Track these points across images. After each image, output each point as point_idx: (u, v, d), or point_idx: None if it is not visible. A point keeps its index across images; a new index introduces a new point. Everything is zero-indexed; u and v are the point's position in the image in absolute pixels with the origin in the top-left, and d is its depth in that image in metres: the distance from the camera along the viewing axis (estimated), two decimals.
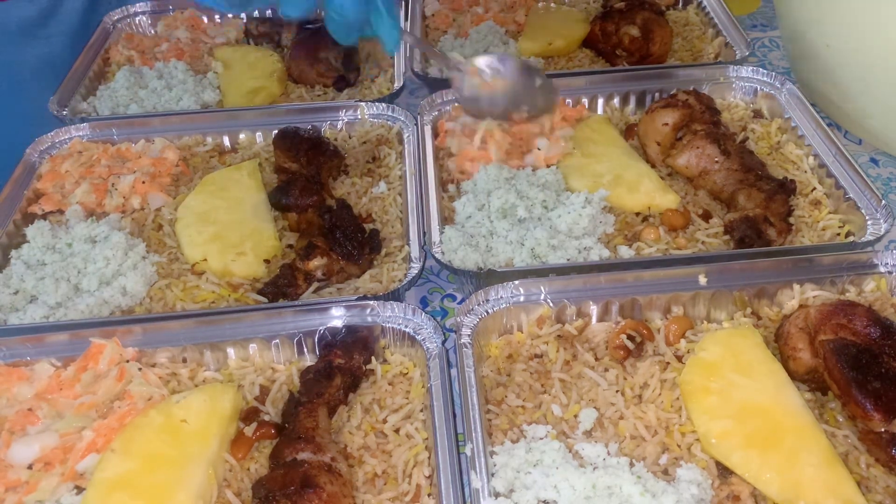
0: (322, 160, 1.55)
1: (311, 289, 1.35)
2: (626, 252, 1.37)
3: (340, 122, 1.72)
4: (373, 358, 1.23)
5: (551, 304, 1.25)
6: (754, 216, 1.38)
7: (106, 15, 2.11)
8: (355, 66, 1.90)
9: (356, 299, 1.26)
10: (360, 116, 1.71)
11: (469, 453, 1.05)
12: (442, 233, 1.38)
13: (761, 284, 1.27)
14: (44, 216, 1.53)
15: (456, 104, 1.66)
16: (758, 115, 1.70)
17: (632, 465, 1.04)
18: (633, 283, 1.26)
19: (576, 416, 1.13)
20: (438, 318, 1.28)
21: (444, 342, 1.19)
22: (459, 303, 1.43)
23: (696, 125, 1.54)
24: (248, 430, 1.14)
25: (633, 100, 1.75)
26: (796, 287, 1.26)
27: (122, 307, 1.35)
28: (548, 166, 1.53)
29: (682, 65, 1.84)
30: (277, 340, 1.24)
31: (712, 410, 1.08)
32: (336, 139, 1.69)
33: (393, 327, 1.24)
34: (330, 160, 1.57)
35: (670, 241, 1.41)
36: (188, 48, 2.01)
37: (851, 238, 1.37)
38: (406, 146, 1.62)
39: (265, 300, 1.33)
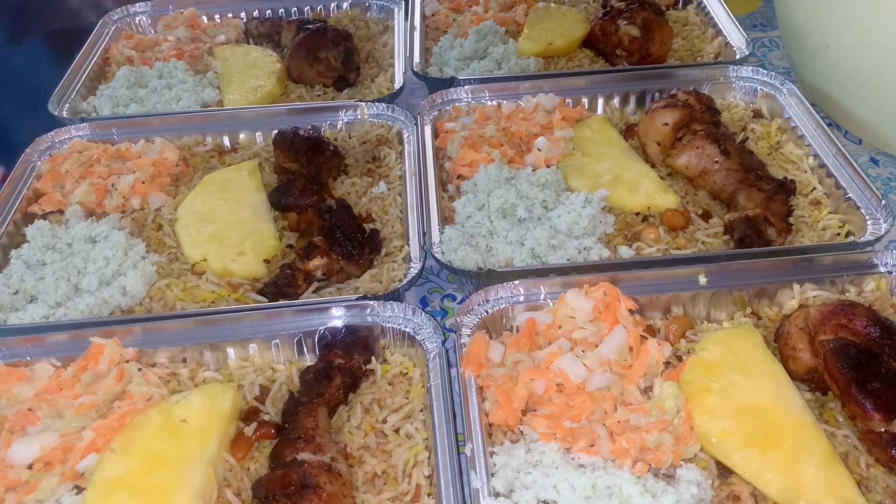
0: (322, 160, 1.55)
1: (311, 289, 1.35)
2: (626, 252, 1.37)
3: (340, 122, 1.72)
4: (373, 358, 1.23)
5: (551, 304, 1.25)
6: (754, 216, 1.38)
7: (106, 14, 2.11)
8: (355, 66, 1.90)
9: (356, 299, 1.26)
10: (360, 116, 1.71)
11: (469, 453, 1.05)
12: (442, 233, 1.38)
13: (761, 284, 1.27)
14: (44, 216, 1.53)
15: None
16: (758, 114, 1.70)
17: (632, 465, 1.04)
18: (633, 283, 1.26)
19: None
20: (438, 318, 1.28)
21: (444, 342, 1.19)
22: (459, 303, 1.43)
23: (696, 125, 1.54)
24: (248, 430, 1.14)
25: (633, 100, 1.75)
26: (796, 287, 1.26)
27: (122, 307, 1.35)
28: (548, 166, 1.53)
29: (682, 65, 1.84)
30: (277, 340, 1.24)
31: (712, 410, 1.08)
32: (336, 139, 1.69)
33: (393, 327, 1.24)
34: (330, 160, 1.57)
35: (670, 241, 1.41)
36: (188, 48, 2.01)
37: (851, 238, 1.37)
38: (406, 146, 1.61)
39: (265, 300, 1.33)
